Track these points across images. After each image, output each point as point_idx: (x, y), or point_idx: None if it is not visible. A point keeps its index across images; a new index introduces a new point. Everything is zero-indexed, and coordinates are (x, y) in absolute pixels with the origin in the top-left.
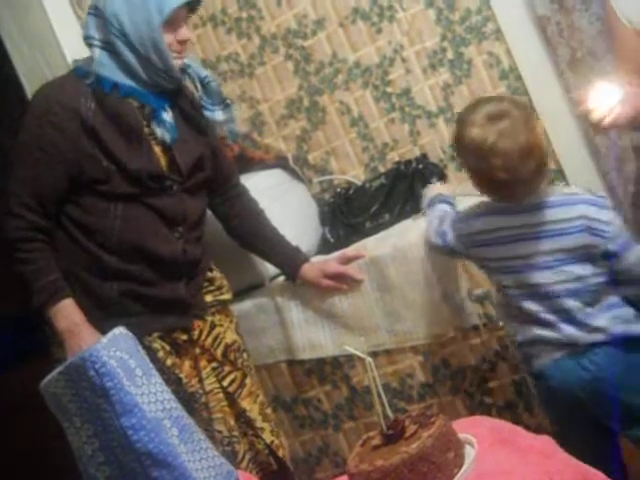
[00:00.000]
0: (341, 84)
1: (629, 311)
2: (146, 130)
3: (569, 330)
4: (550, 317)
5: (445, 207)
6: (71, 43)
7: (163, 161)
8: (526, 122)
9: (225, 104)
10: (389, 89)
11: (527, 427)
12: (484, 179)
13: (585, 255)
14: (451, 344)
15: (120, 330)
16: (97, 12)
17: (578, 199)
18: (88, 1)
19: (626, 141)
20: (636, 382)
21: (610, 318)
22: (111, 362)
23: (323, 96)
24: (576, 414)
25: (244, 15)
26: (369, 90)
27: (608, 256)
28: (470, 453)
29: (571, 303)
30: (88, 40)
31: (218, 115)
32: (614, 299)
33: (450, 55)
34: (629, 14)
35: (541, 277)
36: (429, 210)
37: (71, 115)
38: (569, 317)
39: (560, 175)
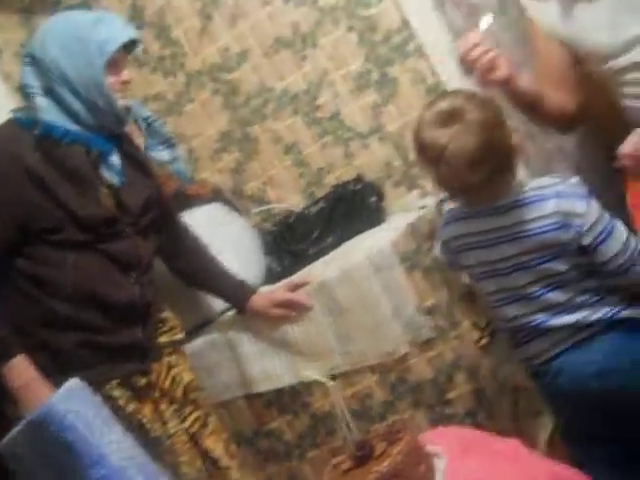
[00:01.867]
0: (271, 113)
1: (614, 299)
2: (93, 175)
3: (561, 320)
4: (539, 316)
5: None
6: None
7: (113, 205)
8: (481, 123)
9: (170, 143)
10: (319, 114)
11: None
12: (439, 184)
13: (562, 251)
14: (407, 359)
15: (74, 382)
16: (33, 60)
17: (549, 193)
18: (14, 72)
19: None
20: None
21: (600, 305)
22: (69, 416)
23: (254, 127)
24: (594, 419)
25: (167, 52)
26: (299, 117)
27: (584, 249)
28: (440, 464)
29: (556, 297)
30: (27, 89)
31: (163, 155)
32: (598, 287)
33: (376, 76)
34: (552, 23)
35: (520, 278)
36: None
37: (16, 166)
38: (558, 310)
39: None
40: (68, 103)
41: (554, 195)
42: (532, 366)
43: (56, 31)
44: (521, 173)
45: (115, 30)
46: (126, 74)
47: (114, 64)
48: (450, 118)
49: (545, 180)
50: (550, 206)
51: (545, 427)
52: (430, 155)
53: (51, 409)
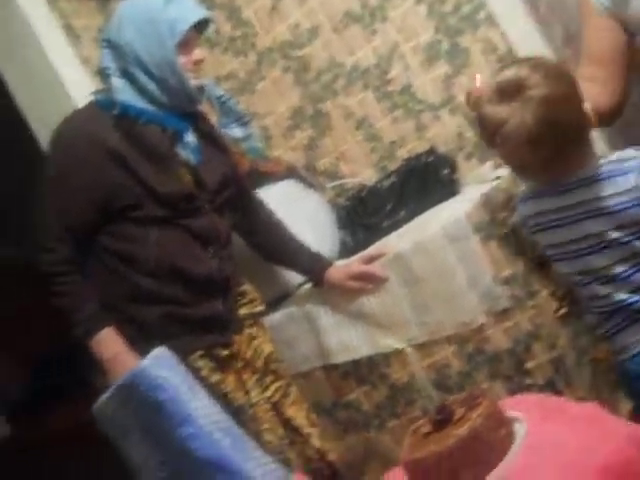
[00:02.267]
0: (342, 89)
1: None
2: (171, 153)
3: None
4: (632, 296)
5: None
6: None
7: (191, 182)
8: (543, 99)
9: (243, 121)
10: (390, 88)
11: None
12: (503, 161)
13: None
14: (484, 330)
15: (161, 349)
16: (110, 44)
17: (628, 167)
18: (93, 57)
19: None
20: None
21: None
22: (158, 379)
23: (326, 103)
24: None
25: (238, 33)
26: (370, 91)
27: None
28: (520, 429)
29: None
30: (105, 71)
31: (237, 132)
32: None
33: (446, 46)
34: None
35: (603, 258)
36: None
37: (97, 148)
38: None
39: None
40: (142, 83)
41: (632, 169)
42: (621, 363)
43: (129, 14)
44: (599, 146)
45: (185, 10)
46: (198, 53)
47: (185, 44)
48: (512, 91)
49: (628, 152)
50: (628, 181)
51: (625, 400)
52: (488, 131)
53: (141, 372)
